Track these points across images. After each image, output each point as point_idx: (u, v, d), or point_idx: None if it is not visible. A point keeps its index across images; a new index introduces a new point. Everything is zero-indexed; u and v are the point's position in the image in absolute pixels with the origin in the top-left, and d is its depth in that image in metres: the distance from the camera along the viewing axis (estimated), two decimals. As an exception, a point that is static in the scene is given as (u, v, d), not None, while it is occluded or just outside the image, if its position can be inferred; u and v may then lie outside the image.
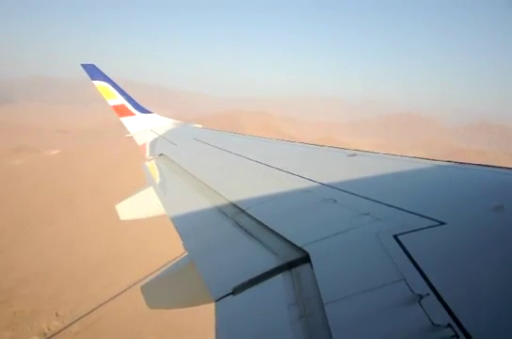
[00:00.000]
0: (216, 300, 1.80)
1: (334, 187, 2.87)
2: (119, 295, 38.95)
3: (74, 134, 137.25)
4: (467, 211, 2.10)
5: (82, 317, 35.15)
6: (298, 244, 2.02)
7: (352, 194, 2.63)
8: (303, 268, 1.80)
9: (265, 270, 1.88)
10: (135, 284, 39.47)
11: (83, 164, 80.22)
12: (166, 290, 2.88)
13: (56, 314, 35.62)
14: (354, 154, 3.86)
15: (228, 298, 1.79)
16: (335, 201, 2.56)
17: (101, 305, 36.76)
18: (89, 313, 35.55)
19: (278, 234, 2.26)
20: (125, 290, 39.05)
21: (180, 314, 36.10)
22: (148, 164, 6.00)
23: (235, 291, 1.81)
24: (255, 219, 2.62)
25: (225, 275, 2.10)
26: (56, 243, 44.40)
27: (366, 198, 2.50)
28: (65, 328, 34.87)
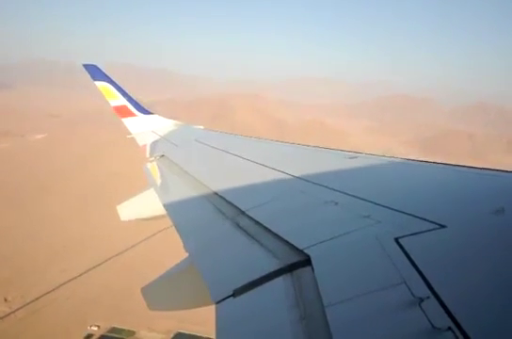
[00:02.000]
0: (217, 303, 1.80)
1: (335, 190, 2.83)
2: (73, 279, 39.55)
3: (65, 118, 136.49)
4: (467, 214, 2.09)
5: (30, 303, 35.69)
6: (299, 246, 2.00)
7: (353, 196, 2.60)
8: (304, 271, 1.79)
9: (266, 273, 1.87)
10: (89, 270, 40.14)
11: (64, 149, 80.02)
12: (166, 292, 2.88)
13: (5, 300, 36.30)
14: (354, 157, 3.82)
15: (228, 300, 1.79)
16: (336, 203, 2.53)
17: (53, 290, 37.33)
18: (39, 298, 36.12)
19: (278, 237, 2.23)
20: (81, 275, 39.71)
21: (127, 301, 36.74)
22: (149, 165, 5.95)
23: (236, 293, 1.81)
24: (256, 221, 2.59)
25: (225, 277, 2.09)
26: (21, 227, 44.84)
27: (367, 200, 2.47)
28: (10, 313, 35.37)
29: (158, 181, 5.15)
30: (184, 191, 4.11)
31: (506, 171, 2.68)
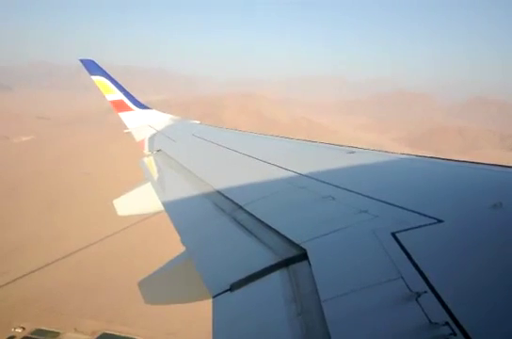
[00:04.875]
0: (214, 297, 1.80)
1: (332, 185, 2.82)
2: (12, 282, 39.55)
3: (55, 120, 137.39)
4: (464, 209, 2.08)
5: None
6: (296, 241, 1.99)
7: (350, 191, 2.59)
8: (301, 266, 1.79)
9: (263, 267, 1.87)
10: (33, 271, 40.27)
11: (45, 151, 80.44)
12: (163, 286, 2.89)
13: None
14: (352, 152, 3.80)
15: (225, 294, 1.79)
16: (333, 198, 2.52)
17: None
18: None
19: (275, 231, 2.23)
20: (23, 276, 39.86)
21: (63, 303, 36.79)
22: (146, 159, 5.95)
23: (233, 288, 1.81)
24: (253, 216, 2.59)
25: (222, 271, 2.08)
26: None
27: (364, 195, 2.46)
28: None
29: (155, 175, 5.13)
30: (181, 186, 4.12)
31: (503, 166, 2.68)
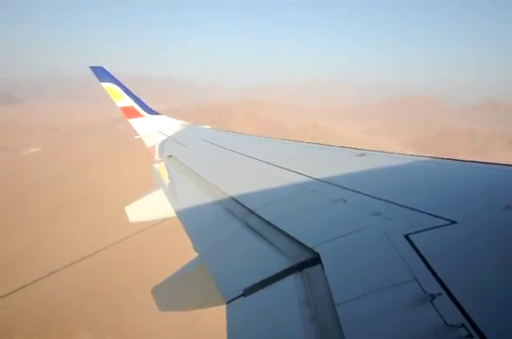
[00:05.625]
0: (227, 302, 1.80)
1: (344, 187, 2.83)
2: None
3: (65, 131, 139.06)
4: (478, 210, 2.06)
5: None
6: (309, 245, 2.00)
7: (362, 194, 2.58)
8: (314, 269, 1.78)
9: (276, 272, 1.86)
10: (35, 281, 39.66)
11: (52, 162, 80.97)
12: (176, 292, 2.89)
13: None
14: (363, 154, 3.82)
15: (239, 299, 1.79)
16: (345, 201, 2.52)
17: None
18: None
19: (288, 235, 2.23)
20: (22, 287, 39.13)
21: (61, 310, 35.78)
22: (157, 166, 6.01)
23: (246, 293, 1.80)
24: (265, 220, 2.59)
25: (235, 277, 2.08)
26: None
27: (376, 198, 2.45)
28: None
29: (166, 181, 5.16)
30: (192, 192, 4.16)
31: None
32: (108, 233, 43.49)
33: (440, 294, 1.30)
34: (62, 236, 46.41)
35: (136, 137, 9.00)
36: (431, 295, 1.31)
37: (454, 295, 1.29)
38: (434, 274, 1.43)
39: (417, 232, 1.80)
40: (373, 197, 2.47)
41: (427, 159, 3.33)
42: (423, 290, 1.36)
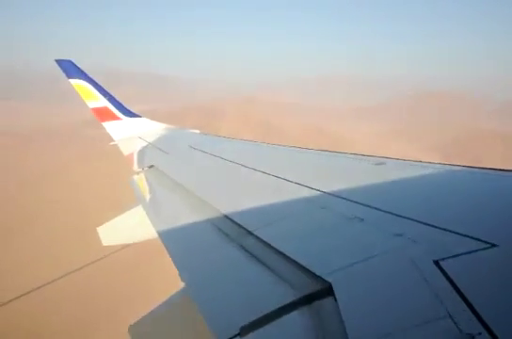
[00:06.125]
0: None
1: (359, 203, 2.81)
2: None
3: (21, 137, 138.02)
4: None
5: None
6: (318, 273, 1.96)
7: (381, 211, 2.56)
8: (325, 303, 1.75)
9: (279, 306, 1.82)
10: None
11: (8, 175, 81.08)
12: (158, 331, 2.83)
13: None
14: (381, 163, 3.82)
15: None
16: (361, 219, 2.50)
17: None
18: None
19: (293, 261, 2.20)
20: None
21: None
22: (136, 177, 5.99)
23: (243, 332, 1.76)
24: (265, 243, 2.57)
25: (230, 312, 2.03)
26: None
27: (399, 215, 2.42)
28: None
29: (147, 196, 5.15)
30: (177, 208, 4.14)
31: None
32: (64, 261, 42.88)
33: (480, 333, 1.27)
34: (5, 266, 45.84)
35: (112, 144, 9.01)
36: (469, 335, 1.28)
37: (496, 335, 1.26)
38: (472, 309, 1.38)
39: (449, 257, 1.77)
40: (394, 214, 2.45)
41: (457, 168, 3.30)
42: (458, 329, 1.32)
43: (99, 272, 43.00)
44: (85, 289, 41.12)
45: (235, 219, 3.14)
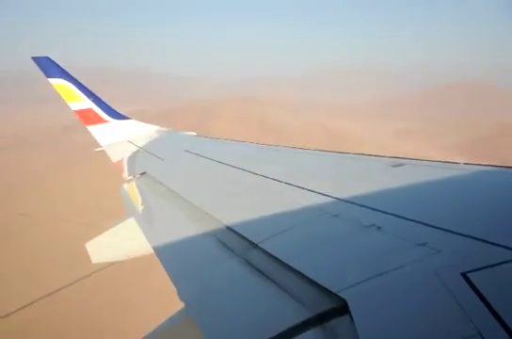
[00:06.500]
0: None
1: (376, 209, 2.82)
2: None
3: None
4: None
5: None
6: (333, 289, 1.97)
7: (401, 218, 2.57)
8: (340, 322, 1.76)
9: (289, 326, 1.83)
10: None
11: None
12: None
13: None
14: (399, 164, 3.82)
15: None
16: (379, 227, 2.51)
17: None
18: None
19: (304, 276, 2.20)
20: None
21: None
22: (126, 186, 6.01)
23: None
24: (272, 257, 2.58)
25: (235, 334, 2.06)
26: None
27: (420, 222, 2.43)
28: None
29: (139, 207, 5.16)
30: (174, 220, 4.15)
31: None
32: (39, 282, 42.64)
33: None
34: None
35: (98, 150, 9.03)
36: None
37: None
38: (504, 326, 1.38)
39: (478, 269, 1.77)
40: (415, 221, 2.45)
41: (484, 168, 3.31)
42: None
43: (79, 296, 42.74)
44: (57, 317, 40.76)
45: (239, 231, 3.15)
